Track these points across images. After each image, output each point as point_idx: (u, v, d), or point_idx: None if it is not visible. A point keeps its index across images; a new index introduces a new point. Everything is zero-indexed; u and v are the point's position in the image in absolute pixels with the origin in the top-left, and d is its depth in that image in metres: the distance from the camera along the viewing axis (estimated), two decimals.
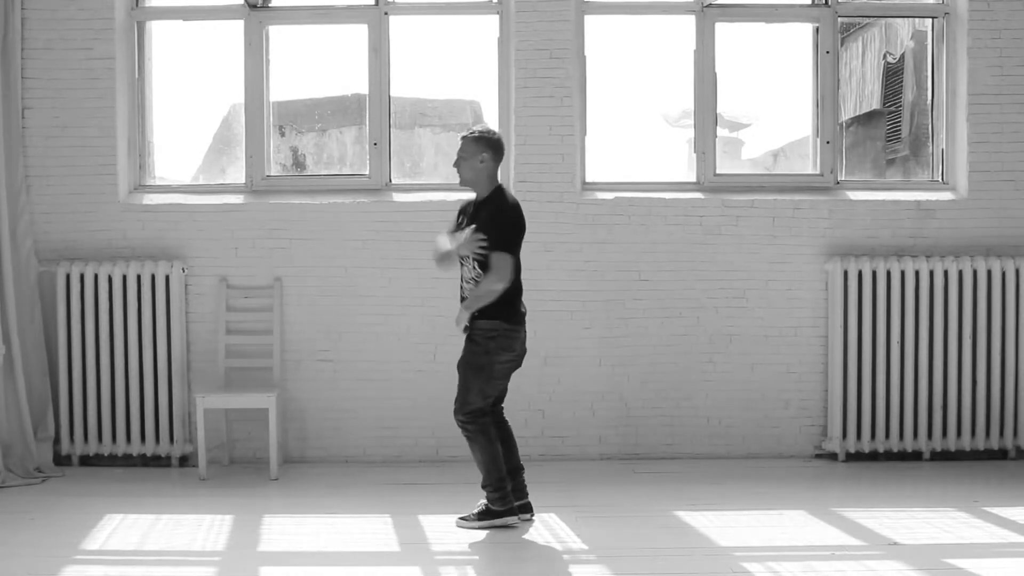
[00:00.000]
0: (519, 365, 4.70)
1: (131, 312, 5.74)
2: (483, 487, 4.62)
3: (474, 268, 4.57)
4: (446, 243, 4.64)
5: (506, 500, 4.59)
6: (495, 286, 4.46)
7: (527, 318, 4.72)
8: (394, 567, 4.14)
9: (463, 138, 4.65)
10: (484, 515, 4.61)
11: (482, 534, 4.51)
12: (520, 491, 4.68)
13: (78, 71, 5.83)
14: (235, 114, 6.27)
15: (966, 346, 5.82)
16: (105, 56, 5.84)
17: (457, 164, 4.65)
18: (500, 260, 4.46)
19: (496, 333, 4.54)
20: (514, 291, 4.57)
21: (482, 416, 4.57)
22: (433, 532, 4.54)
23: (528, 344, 5.83)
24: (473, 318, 4.54)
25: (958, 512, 4.80)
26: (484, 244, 4.47)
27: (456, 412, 4.60)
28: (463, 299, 4.64)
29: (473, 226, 4.52)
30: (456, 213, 4.79)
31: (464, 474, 5.57)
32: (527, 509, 4.69)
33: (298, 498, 5.19)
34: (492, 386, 4.60)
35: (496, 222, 4.51)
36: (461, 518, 4.65)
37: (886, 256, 5.86)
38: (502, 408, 4.78)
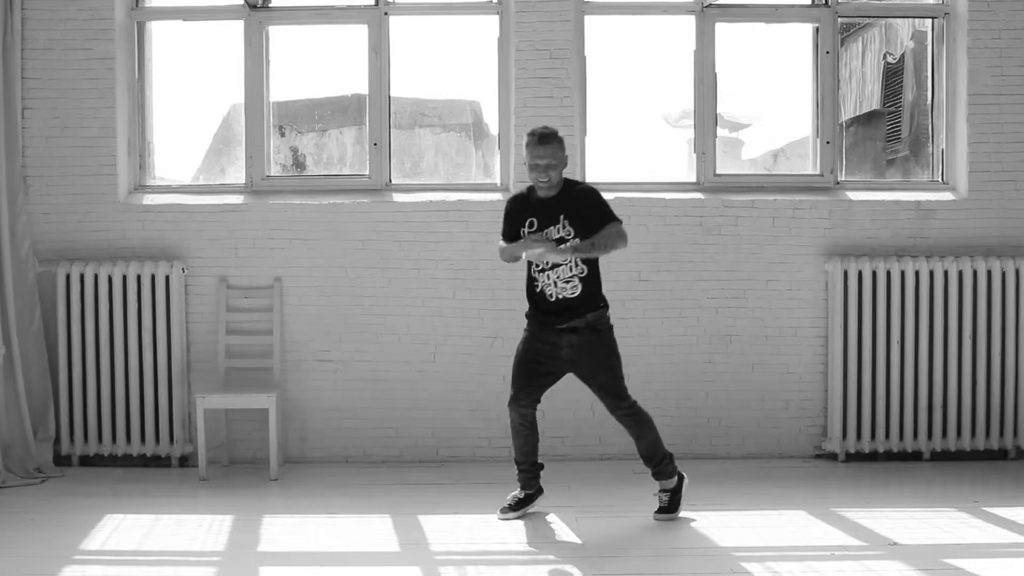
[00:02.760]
0: None
1: (131, 312, 5.74)
2: (655, 465, 4.72)
3: (577, 264, 4.55)
4: (532, 248, 4.49)
5: (674, 464, 4.77)
6: (620, 243, 4.53)
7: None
8: (394, 567, 4.13)
9: (547, 140, 4.50)
10: (675, 494, 4.75)
11: (481, 534, 4.52)
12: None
13: (78, 71, 5.83)
14: (235, 114, 6.27)
15: (966, 346, 5.81)
16: (105, 56, 5.84)
17: (547, 171, 4.51)
18: (621, 228, 4.54)
19: (609, 317, 4.68)
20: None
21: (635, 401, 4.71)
22: (433, 532, 4.54)
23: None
24: (593, 311, 4.59)
25: (958, 512, 4.79)
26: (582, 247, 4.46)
27: (618, 407, 4.68)
28: (547, 298, 4.58)
29: (571, 240, 4.49)
30: (509, 214, 4.69)
31: (464, 474, 5.58)
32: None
33: (298, 498, 5.19)
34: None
35: (595, 199, 4.60)
36: (660, 514, 4.71)
37: (886, 256, 5.86)
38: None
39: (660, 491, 4.77)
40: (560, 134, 4.61)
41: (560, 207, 4.58)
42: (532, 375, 4.71)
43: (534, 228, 4.60)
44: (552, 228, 4.57)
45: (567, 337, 4.61)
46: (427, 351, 5.88)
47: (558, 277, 4.56)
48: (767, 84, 6.50)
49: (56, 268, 5.74)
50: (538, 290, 4.63)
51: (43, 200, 5.84)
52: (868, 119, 7.05)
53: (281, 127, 6.41)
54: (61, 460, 5.76)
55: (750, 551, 4.25)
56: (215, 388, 5.67)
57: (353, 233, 5.88)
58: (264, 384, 5.74)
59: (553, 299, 4.59)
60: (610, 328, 4.69)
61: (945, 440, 5.84)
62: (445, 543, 4.39)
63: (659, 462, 4.74)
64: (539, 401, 4.77)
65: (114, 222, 5.87)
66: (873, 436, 5.83)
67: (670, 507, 4.74)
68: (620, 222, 4.57)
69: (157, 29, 6.21)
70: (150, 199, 5.97)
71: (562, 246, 4.43)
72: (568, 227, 4.56)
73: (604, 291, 4.66)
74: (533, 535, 4.51)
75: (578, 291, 4.58)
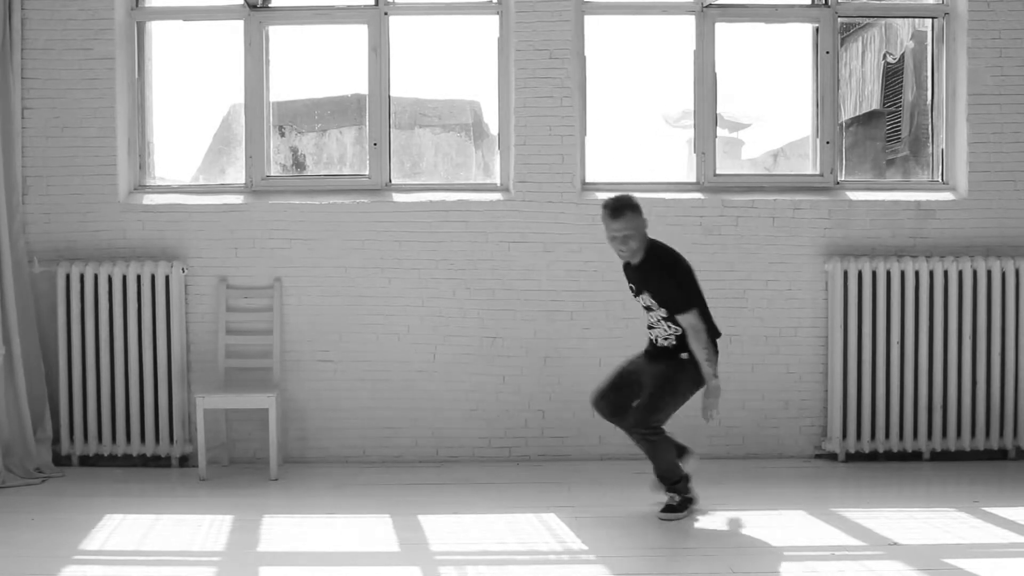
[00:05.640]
0: None
1: (131, 312, 5.74)
2: (672, 484, 4.76)
3: (669, 327, 4.74)
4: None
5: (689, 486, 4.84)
6: (700, 344, 4.65)
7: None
8: (394, 567, 4.14)
9: (620, 213, 4.65)
10: (684, 498, 4.79)
11: (481, 534, 4.52)
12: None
13: (78, 71, 5.83)
14: (235, 114, 6.27)
15: (966, 346, 5.81)
16: (105, 56, 5.84)
17: (626, 242, 4.67)
18: (692, 319, 4.65)
19: (691, 365, 4.71)
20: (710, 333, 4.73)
21: (661, 429, 4.73)
22: (433, 532, 4.54)
23: (528, 344, 5.87)
24: (681, 350, 4.72)
25: (958, 512, 4.79)
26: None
27: (637, 426, 4.70)
28: (657, 347, 4.82)
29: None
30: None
31: (464, 474, 5.58)
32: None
33: (298, 498, 5.19)
34: (673, 408, 4.76)
35: (668, 278, 4.71)
36: (667, 513, 4.75)
37: (886, 256, 5.86)
38: None
39: (669, 494, 4.80)
40: (635, 200, 4.72)
41: (644, 280, 4.77)
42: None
43: (634, 294, 4.88)
44: (643, 295, 4.79)
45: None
46: (427, 351, 5.88)
47: (658, 333, 4.81)
48: (767, 84, 6.50)
49: (56, 268, 5.74)
50: (652, 336, 4.90)
51: (43, 200, 5.84)
52: (868, 119, 7.05)
53: (281, 127, 6.41)
54: (61, 460, 5.76)
55: (750, 551, 4.25)
56: (215, 388, 5.67)
57: (353, 233, 5.88)
58: (264, 384, 5.74)
59: (656, 344, 4.86)
60: (686, 367, 4.70)
61: (945, 440, 5.84)
62: (445, 543, 4.39)
63: (675, 482, 4.79)
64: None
65: (114, 222, 5.87)
66: (873, 436, 5.83)
67: (679, 507, 4.74)
68: (691, 311, 4.66)
69: (157, 29, 6.21)
70: (150, 199, 5.97)
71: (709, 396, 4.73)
72: (651, 300, 4.76)
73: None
74: (533, 535, 4.51)
75: (672, 342, 4.76)
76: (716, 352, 4.74)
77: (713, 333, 4.76)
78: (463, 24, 6.25)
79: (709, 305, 5.01)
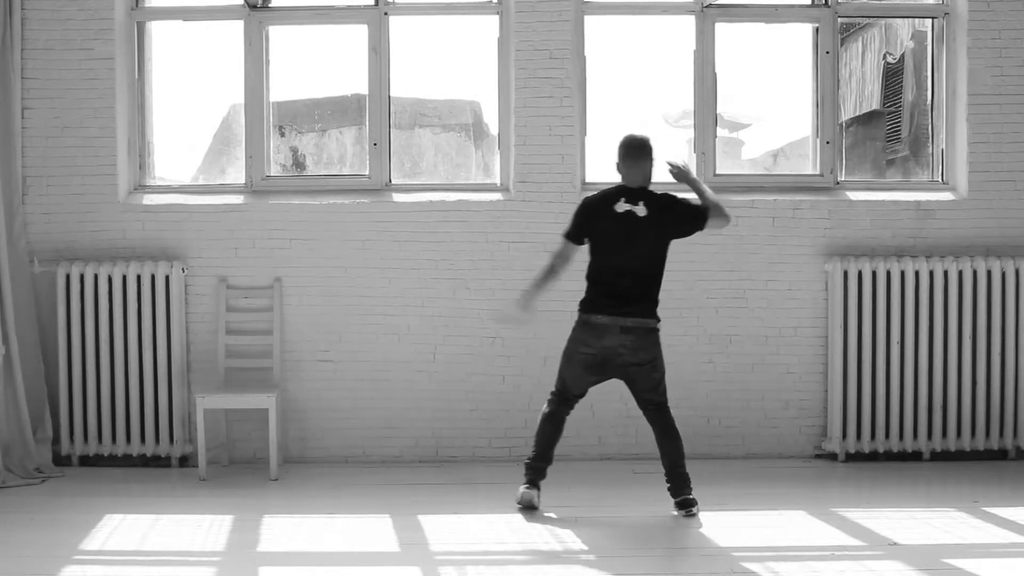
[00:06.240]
0: (601, 369, 4.80)
1: (131, 312, 5.74)
2: (529, 456, 4.89)
3: None
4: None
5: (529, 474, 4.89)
6: None
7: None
8: (394, 567, 4.14)
9: None
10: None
11: (481, 534, 4.52)
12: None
13: (78, 71, 5.83)
14: (235, 114, 6.27)
15: (966, 346, 5.82)
16: (105, 56, 5.84)
17: None
18: None
19: (576, 321, 4.81)
20: (589, 281, 4.80)
21: (554, 396, 4.90)
22: (433, 532, 4.54)
23: (528, 344, 5.86)
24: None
25: (958, 512, 4.79)
26: None
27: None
28: None
29: None
30: None
31: (464, 474, 5.58)
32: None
33: (298, 498, 5.19)
34: (567, 372, 4.84)
35: None
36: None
37: (886, 256, 5.86)
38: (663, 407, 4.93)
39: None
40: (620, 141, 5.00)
41: None
42: None
43: None
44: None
45: None
46: (427, 351, 5.88)
47: None
48: (767, 84, 6.50)
49: (56, 268, 5.74)
50: None
51: (43, 200, 5.84)
52: (868, 119, 7.06)
53: (281, 127, 6.41)
54: (61, 460, 5.76)
55: (750, 551, 4.25)
56: (215, 388, 5.67)
57: (353, 233, 5.88)
58: (264, 384, 5.74)
59: None
60: (575, 326, 4.81)
61: (945, 440, 5.84)
62: (445, 543, 4.39)
63: (529, 459, 4.87)
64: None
65: (114, 222, 5.87)
66: (873, 436, 5.83)
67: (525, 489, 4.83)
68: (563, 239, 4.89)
69: (157, 29, 6.21)
70: (150, 199, 5.97)
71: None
72: None
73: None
74: (533, 535, 4.51)
75: None
76: (581, 311, 4.76)
77: (588, 289, 4.77)
78: (463, 24, 6.25)
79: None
